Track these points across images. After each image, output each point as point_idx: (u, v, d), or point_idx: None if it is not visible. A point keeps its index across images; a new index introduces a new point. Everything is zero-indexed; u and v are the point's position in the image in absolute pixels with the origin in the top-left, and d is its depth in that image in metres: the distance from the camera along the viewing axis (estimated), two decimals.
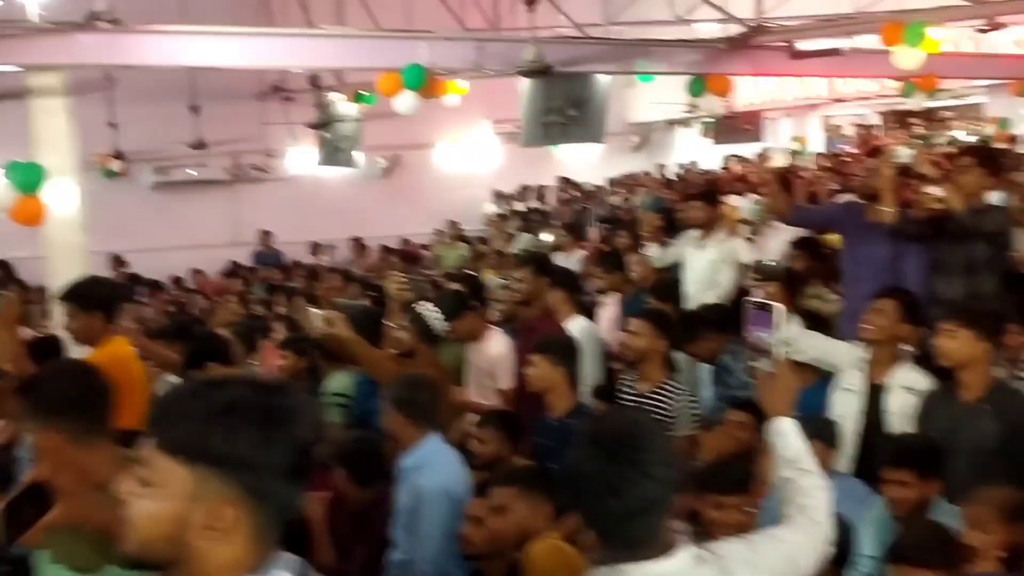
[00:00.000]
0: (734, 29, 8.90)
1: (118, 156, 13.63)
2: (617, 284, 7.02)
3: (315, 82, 12.86)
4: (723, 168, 16.10)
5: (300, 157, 15.76)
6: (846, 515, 3.62)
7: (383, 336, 5.25)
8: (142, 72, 11.35)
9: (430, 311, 5.42)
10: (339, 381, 5.66)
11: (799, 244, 6.49)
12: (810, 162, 16.32)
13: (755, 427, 4.38)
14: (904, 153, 6.18)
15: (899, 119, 18.59)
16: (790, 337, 4.68)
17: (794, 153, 17.41)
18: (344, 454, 4.17)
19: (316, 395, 5.58)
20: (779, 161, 8.46)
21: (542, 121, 10.52)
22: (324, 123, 13.17)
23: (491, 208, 17.01)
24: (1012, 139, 15.09)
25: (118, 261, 14.21)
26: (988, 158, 5.11)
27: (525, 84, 10.67)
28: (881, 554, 3.52)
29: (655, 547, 1.87)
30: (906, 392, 4.34)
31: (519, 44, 7.36)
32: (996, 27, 8.75)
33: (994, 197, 6.19)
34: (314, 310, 6.34)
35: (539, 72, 7.27)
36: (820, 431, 4.07)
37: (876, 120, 19.25)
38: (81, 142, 7.19)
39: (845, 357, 4.62)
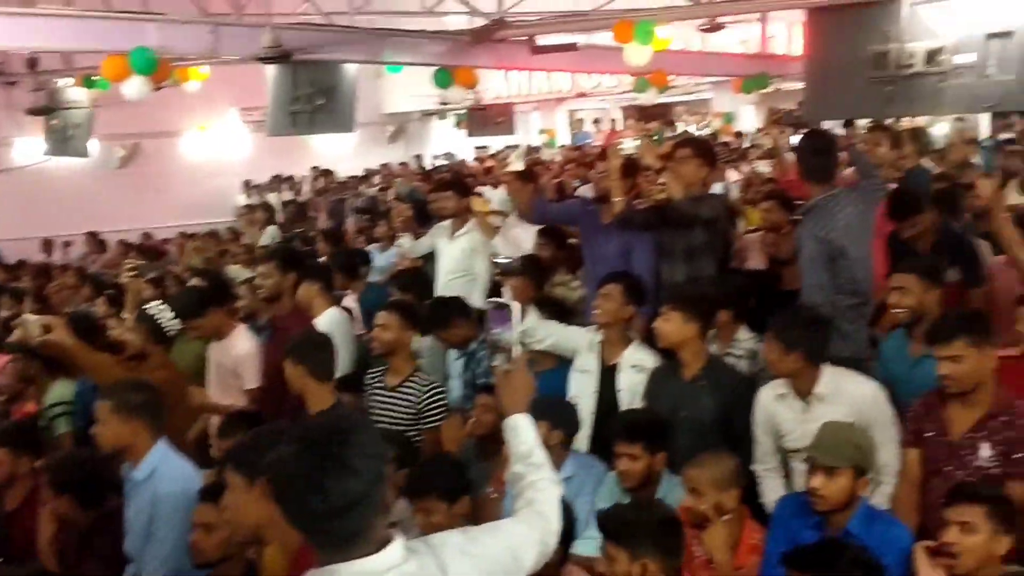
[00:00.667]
0: (479, 22, 9.05)
1: None
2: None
3: (35, 66, 11.82)
4: (475, 160, 16.44)
5: (27, 146, 14.53)
6: (570, 496, 3.80)
7: (105, 339, 4.92)
8: None
9: (160, 310, 5.14)
10: (60, 390, 5.25)
11: (544, 233, 6.68)
12: (557, 154, 16.98)
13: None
14: (630, 145, 6.51)
15: (638, 113, 19.71)
16: (528, 328, 4.87)
17: (543, 146, 18.06)
18: (64, 481, 3.88)
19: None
20: (517, 160, 8.65)
21: (289, 109, 10.26)
22: (49, 109, 12.15)
23: (241, 199, 16.45)
24: (737, 133, 16.39)
25: None
26: (704, 149, 5.47)
27: (271, 71, 10.37)
28: None
29: (366, 544, 1.84)
30: (636, 371, 4.59)
31: (257, 29, 7.08)
32: (716, 28, 9.45)
33: (716, 187, 6.61)
34: (31, 316, 5.85)
35: (278, 58, 7.05)
36: (558, 413, 4.26)
37: (617, 114, 20.30)
38: None
39: (581, 341, 4.83)
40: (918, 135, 7.35)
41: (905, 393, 4.07)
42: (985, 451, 3.39)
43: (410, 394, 4.80)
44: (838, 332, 4.50)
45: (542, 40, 8.77)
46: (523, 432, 2.44)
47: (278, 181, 16.92)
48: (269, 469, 1.84)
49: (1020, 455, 3.33)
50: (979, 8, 6.40)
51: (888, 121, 6.97)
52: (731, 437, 4.15)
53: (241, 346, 5.50)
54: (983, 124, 11.95)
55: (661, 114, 21.28)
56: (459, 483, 3.65)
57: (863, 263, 4.68)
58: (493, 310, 2.72)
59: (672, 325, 4.28)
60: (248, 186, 16.80)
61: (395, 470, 3.60)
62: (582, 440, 4.50)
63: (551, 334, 4.89)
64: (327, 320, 5.66)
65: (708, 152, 5.50)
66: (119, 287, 7.74)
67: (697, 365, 4.29)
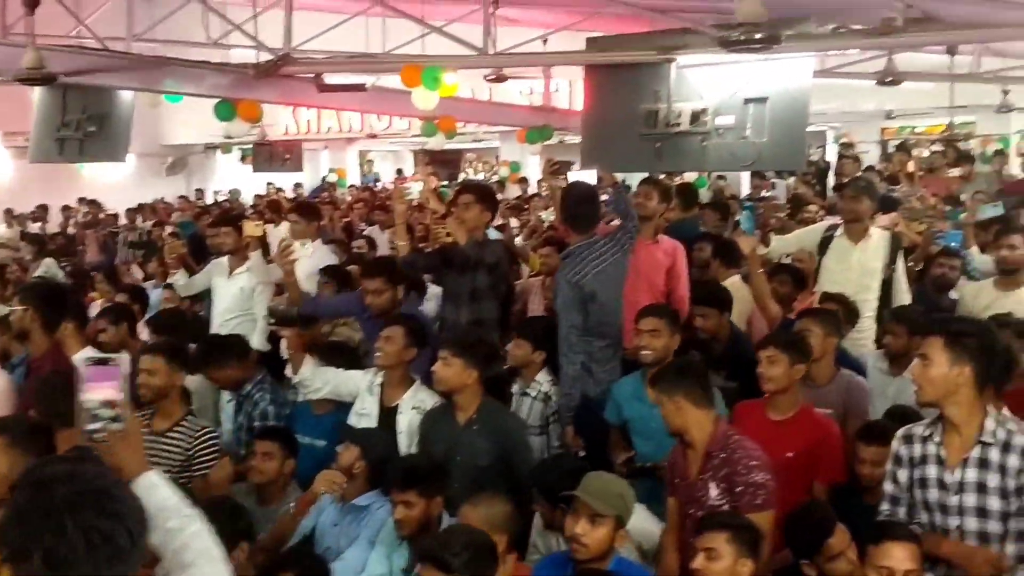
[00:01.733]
0: (266, 57, 8.87)
1: None
2: None
3: None
4: (263, 196, 16.01)
5: None
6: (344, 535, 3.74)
7: None
8: None
9: None
10: None
11: (326, 271, 6.56)
12: (347, 193, 16.87)
13: (285, 455, 4.41)
14: (415, 189, 6.56)
15: (428, 157, 19.96)
16: (303, 379, 4.77)
17: (334, 184, 17.90)
18: None
19: None
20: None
21: (56, 136, 9.67)
22: None
23: (1, 229, 15.23)
24: (522, 180, 16.88)
25: None
26: (485, 195, 5.60)
27: (37, 94, 9.72)
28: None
29: None
30: (417, 412, 4.58)
31: (20, 49, 6.62)
32: (501, 79, 9.73)
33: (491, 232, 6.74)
34: None
35: (41, 80, 6.61)
36: (371, 444, 4.20)
37: (408, 157, 20.48)
38: None
39: (360, 384, 4.78)
40: (686, 190, 7.84)
41: (641, 433, 4.30)
42: (713, 490, 3.59)
43: (180, 440, 4.56)
44: (589, 374, 4.71)
45: (330, 79, 8.70)
46: (161, 487, 2.26)
47: (44, 211, 15.80)
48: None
49: (740, 487, 3.53)
50: (738, 75, 6.94)
51: (662, 176, 7.39)
52: (509, 480, 4.22)
53: None
54: (743, 182, 12.90)
55: (451, 159, 21.65)
56: (239, 527, 3.51)
57: (613, 307, 4.90)
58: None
59: (452, 370, 4.30)
60: (10, 215, 15.57)
61: None
62: None
63: (327, 382, 4.83)
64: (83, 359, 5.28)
65: (490, 197, 5.63)
66: None
67: (472, 408, 4.33)
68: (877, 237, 5.69)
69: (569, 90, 14.65)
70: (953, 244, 6.68)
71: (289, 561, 3.34)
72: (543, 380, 5.08)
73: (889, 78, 8.98)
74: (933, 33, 6.60)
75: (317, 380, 4.81)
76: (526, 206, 12.10)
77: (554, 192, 6.57)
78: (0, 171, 15.77)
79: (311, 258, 6.70)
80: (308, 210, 7.09)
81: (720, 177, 12.36)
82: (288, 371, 4.93)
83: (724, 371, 4.86)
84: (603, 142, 7.55)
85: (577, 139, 12.97)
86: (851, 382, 4.58)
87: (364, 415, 4.68)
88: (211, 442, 4.52)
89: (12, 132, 14.43)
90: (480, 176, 18.89)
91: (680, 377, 3.72)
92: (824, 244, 5.77)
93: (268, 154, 16.58)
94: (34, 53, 6.26)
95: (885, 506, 3.33)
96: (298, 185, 17.64)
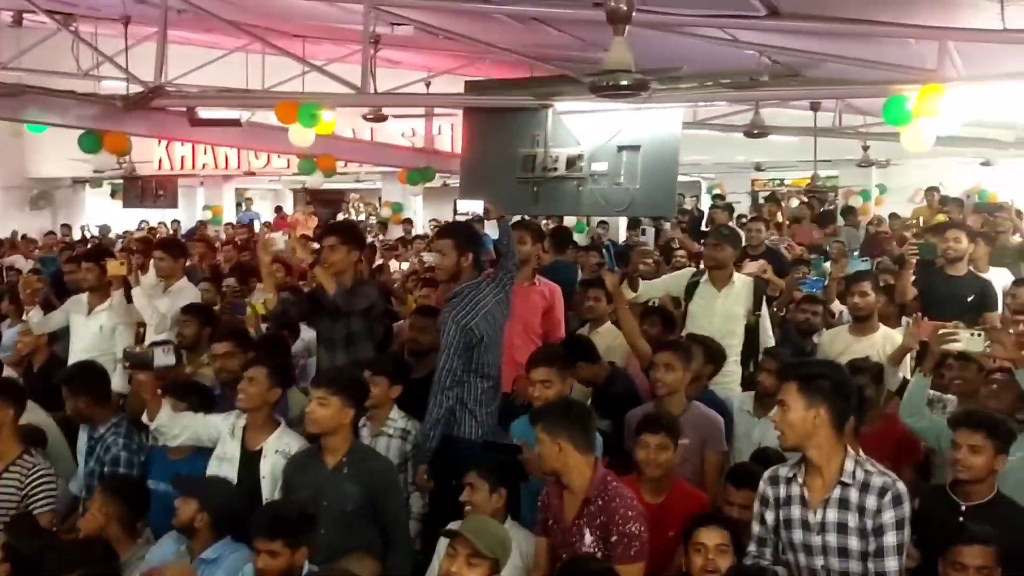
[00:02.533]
0: (137, 89, 8.61)
1: None
2: None
3: None
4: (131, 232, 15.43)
5: None
6: None
7: None
8: None
9: None
10: None
11: (187, 310, 6.34)
12: (221, 231, 16.45)
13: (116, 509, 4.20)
14: (280, 240, 6.46)
15: (309, 196, 19.69)
16: (159, 425, 4.57)
17: (205, 223, 17.42)
18: None
19: None
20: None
21: None
22: None
23: None
24: (407, 221, 16.80)
25: None
26: (350, 235, 5.51)
27: None
28: None
29: None
30: (281, 456, 4.42)
31: None
32: (381, 118, 9.69)
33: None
34: None
35: None
36: (208, 493, 4.02)
37: (287, 196, 20.16)
38: None
39: (222, 427, 4.59)
40: (558, 232, 7.93)
41: None
42: (587, 537, 3.58)
43: (14, 479, 4.33)
44: (472, 416, 4.67)
45: (204, 113, 8.50)
46: None
47: None
48: None
49: (615, 537, 3.53)
50: (613, 122, 7.11)
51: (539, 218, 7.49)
52: (376, 525, 4.12)
53: None
54: (621, 227, 13.16)
55: (334, 199, 21.43)
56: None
57: (495, 349, 4.89)
58: None
59: (328, 411, 4.17)
60: None
61: None
62: None
63: (186, 427, 4.63)
64: None
65: (355, 237, 5.54)
66: None
67: (342, 451, 4.21)
68: (740, 284, 5.85)
69: (451, 133, 14.72)
70: (815, 291, 6.93)
71: None
72: (397, 416, 4.98)
73: (756, 130, 9.34)
74: (796, 88, 6.91)
75: (175, 427, 4.60)
76: (403, 248, 12.05)
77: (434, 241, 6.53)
78: None
79: (175, 296, 6.47)
80: (174, 247, 6.85)
81: (602, 223, 12.59)
82: (144, 418, 4.71)
83: (600, 410, 4.89)
84: (481, 184, 7.61)
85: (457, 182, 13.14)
86: (704, 414, 4.70)
87: (225, 459, 4.50)
88: (45, 480, 4.44)
89: None
90: (362, 217, 18.71)
91: (565, 419, 3.71)
92: (690, 290, 5.89)
93: (140, 189, 16.05)
94: None
95: (752, 547, 3.38)
96: (175, 222, 17.11)
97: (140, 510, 4.26)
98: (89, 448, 4.91)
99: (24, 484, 4.32)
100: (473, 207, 5.50)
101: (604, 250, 6.48)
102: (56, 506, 4.61)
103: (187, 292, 6.66)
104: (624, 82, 4.41)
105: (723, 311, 5.75)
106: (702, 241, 6.70)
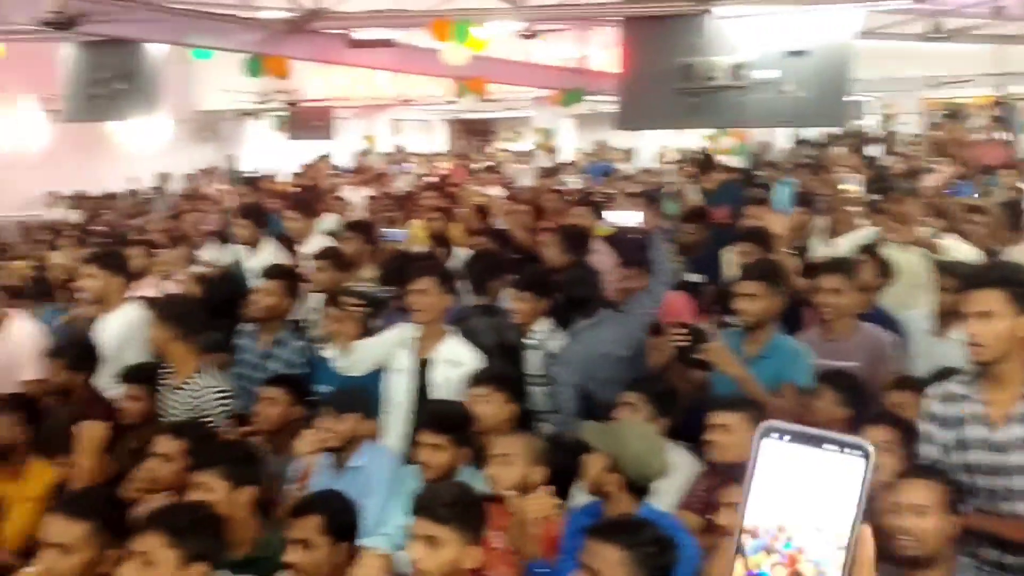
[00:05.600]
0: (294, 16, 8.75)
1: None
2: None
3: None
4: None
5: None
6: (359, 490, 3.63)
7: None
8: None
9: None
10: None
11: (353, 227, 6.46)
12: (381, 160, 16.75)
13: (291, 402, 4.33)
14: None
15: (462, 127, 19.81)
16: (346, 364, 4.60)
17: (367, 152, 17.75)
18: None
19: None
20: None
21: (87, 93, 9.62)
22: None
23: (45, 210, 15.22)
24: (552, 149, 16.68)
25: None
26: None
27: (66, 53, 9.67)
28: None
29: None
30: (450, 366, 4.41)
31: None
32: (533, 36, 9.54)
33: None
34: None
35: (63, 25, 6.53)
36: (358, 402, 4.07)
37: (442, 128, 20.30)
38: None
39: (396, 341, 4.62)
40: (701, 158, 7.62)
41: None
42: None
43: (187, 394, 4.49)
44: None
45: (359, 35, 8.56)
46: None
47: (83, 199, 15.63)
48: None
49: None
50: (779, 27, 6.70)
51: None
52: None
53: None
54: (779, 139, 12.55)
55: (484, 130, 21.49)
56: (247, 471, 3.43)
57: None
58: None
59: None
60: (58, 199, 15.54)
61: None
62: (395, 439, 4.34)
63: (367, 353, 4.62)
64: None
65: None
66: None
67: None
68: None
69: (603, 56, 14.38)
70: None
71: (316, 504, 3.23)
72: (540, 328, 4.92)
73: (934, 35, 8.67)
74: None
75: (357, 358, 4.65)
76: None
77: None
78: (37, 136, 15.72)
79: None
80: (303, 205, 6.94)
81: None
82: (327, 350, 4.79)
83: None
84: (639, 99, 7.36)
85: (610, 107, 12.83)
86: (872, 335, 4.44)
87: (401, 371, 4.53)
88: (218, 397, 4.46)
89: (48, 95, 14.34)
90: (512, 145, 18.65)
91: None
92: None
93: (302, 121, 16.43)
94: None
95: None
96: (324, 156, 17.40)
97: (303, 405, 4.37)
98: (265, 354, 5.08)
99: (197, 400, 4.39)
100: (624, 219, 5.22)
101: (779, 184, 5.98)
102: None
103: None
104: None
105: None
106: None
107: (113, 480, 3.91)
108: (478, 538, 2.94)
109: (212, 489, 3.28)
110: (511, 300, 5.03)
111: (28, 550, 3.35)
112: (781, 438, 0.96)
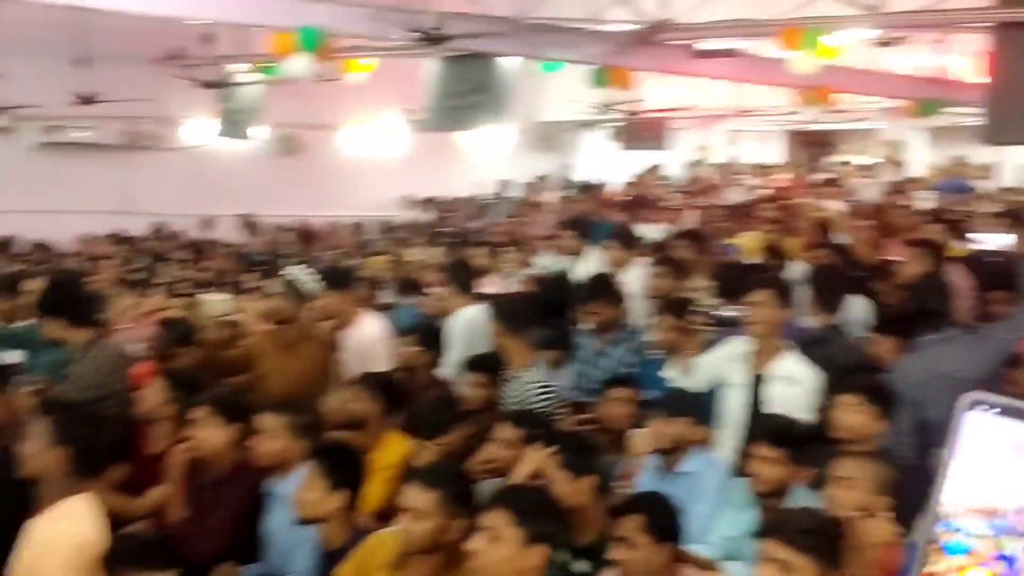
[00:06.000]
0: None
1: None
2: None
3: (208, 44, 12.37)
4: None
5: (196, 127, 15.32)
6: (686, 495, 3.61)
7: None
8: (29, 25, 10.82)
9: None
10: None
11: (686, 235, 6.48)
12: (713, 172, 16.60)
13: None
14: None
15: (801, 139, 19.07)
16: (685, 381, 4.62)
17: (699, 162, 17.66)
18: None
19: None
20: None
21: (447, 104, 10.41)
22: (222, 84, 12.70)
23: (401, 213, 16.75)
24: (899, 163, 15.62)
25: None
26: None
27: (430, 68, 10.54)
28: (743, 533, 3.50)
29: None
30: (786, 383, 4.29)
31: (418, 15, 7.19)
32: (890, 43, 8.99)
33: None
34: (212, 296, 6.13)
35: (436, 40, 7.13)
36: (690, 406, 4.07)
37: (779, 139, 19.64)
38: None
39: (729, 355, 4.56)
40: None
41: None
42: None
43: (516, 388, 4.70)
44: None
45: (703, 46, 8.55)
46: None
47: (430, 203, 16.94)
48: None
49: None
50: None
51: None
52: None
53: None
54: None
55: (823, 141, 20.57)
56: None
57: None
58: None
59: None
60: (412, 202, 17.04)
61: None
62: (727, 452, 4.29)
63: (705, 372, 4.62)
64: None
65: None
66: (271, 263, 8.03)
67: None
68: None
69: (962, 65, 13.26)
70: None
71: (640, 504, 3.27)
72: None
73: None
74: None
75: (697, 375, 4.67)
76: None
77: None
78: (397, 144, 17.25)
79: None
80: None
81: None
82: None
83: None
84: (1011, 111, 6.71)
85: (971, 119, 11.78)
86: None
87: (737, 386, 4.46)
88: (541, 393, 4.58)
89: (410, 106, 15.66)
90: (855, 158, 17.69)
91: None
92: None
93: (637, 131, 16.66)
94: (434, 16, 6.76)
95: None
96: (654, 167, 17.49)
97: None
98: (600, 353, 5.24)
99: (522, 393, 4.56)
100: (991, 240, 4.78)
101: None
102: None
103: None
104: None
105: None
106: None
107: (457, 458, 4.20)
108: (835, 571, 2.82)
109: (553, 478, 3.42)
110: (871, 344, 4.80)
111: (385, 514, 3.67)
112: (989, 411, 0.87)
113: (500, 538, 2.85)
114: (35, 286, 5.83)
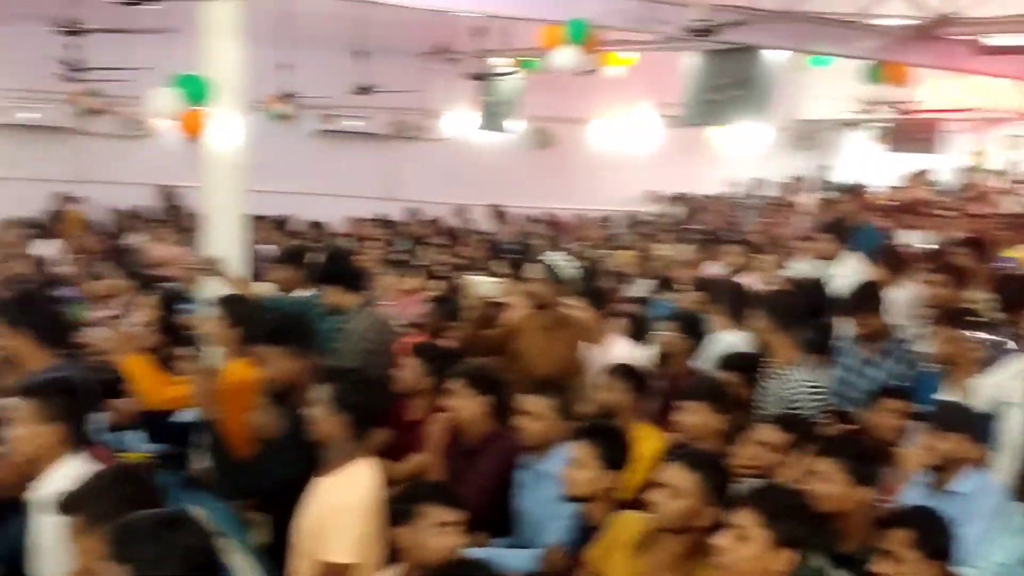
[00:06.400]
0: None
1: (286, 98, 13.96)
2: None
3: (475, 39, 12.83)
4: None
5: (456, 119, 15.97)
6: (960, 514, 3.38)
7: None
8: (315, 19, 11.65)
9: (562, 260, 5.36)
10: None
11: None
12: (990, 178, 15.34)
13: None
14: None
15: None
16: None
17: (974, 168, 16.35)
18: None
19: None
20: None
21: (705, 99, 10.27)
22: (486, 76, 13.14)
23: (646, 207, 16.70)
24: None
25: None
26: None
27: (690, 61, 10.42)
28: (1018, 560, 3.34)
29: None
30: None
31: (685, 8, 7.13)
32: None
33: None
34: (479, 278, 6.42)
35: (704, 32, 7.04)
36: (965, 422, 3.82)
37: None
38: (251, 81, 6.91)
39: (1013, 374, 4.31)
40: None
41: None
42: None
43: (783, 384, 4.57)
44: None
45: (990, 41, 7.92)
46: None
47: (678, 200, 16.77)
48: None
49: None
50: None
51: None
52: None
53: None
54: None
55: None
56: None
57: None
58: None
59: None
60: (656, 198, 16.97)
61: None
62: (1005, 474, 4.00)
63: (984, 393, 4.40)
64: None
65: None
66: (522, 253, 8.26)
67: None
68: None
69: None
70: None
71: (911, 518, 3.12)
72: None
73: None
74: None
75: (978, 397, 4.41)
76: None
77: None
78: (648, 139, 17.19)
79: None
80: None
81: None
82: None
83: None
84: None
85: None
86: None
87: (1016, 404, 4.22)
88: (807, 392, 4.49)
89: (664, 101, 15.55)
90: None
91: None
92: None
93: (905, 133, 15.67)
94: (703, 7, 6.69)
95: None
96: (923, 171, 16.27)
97: None
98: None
99: (787, 390, 4.49)
100: None
101: None
102: None
103: None
104: None
105: None
106: None
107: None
108: None
109: (832, 480, 3.32)
110: None
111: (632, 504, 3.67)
112: None
113: (747, 537, 2.81)
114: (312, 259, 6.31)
